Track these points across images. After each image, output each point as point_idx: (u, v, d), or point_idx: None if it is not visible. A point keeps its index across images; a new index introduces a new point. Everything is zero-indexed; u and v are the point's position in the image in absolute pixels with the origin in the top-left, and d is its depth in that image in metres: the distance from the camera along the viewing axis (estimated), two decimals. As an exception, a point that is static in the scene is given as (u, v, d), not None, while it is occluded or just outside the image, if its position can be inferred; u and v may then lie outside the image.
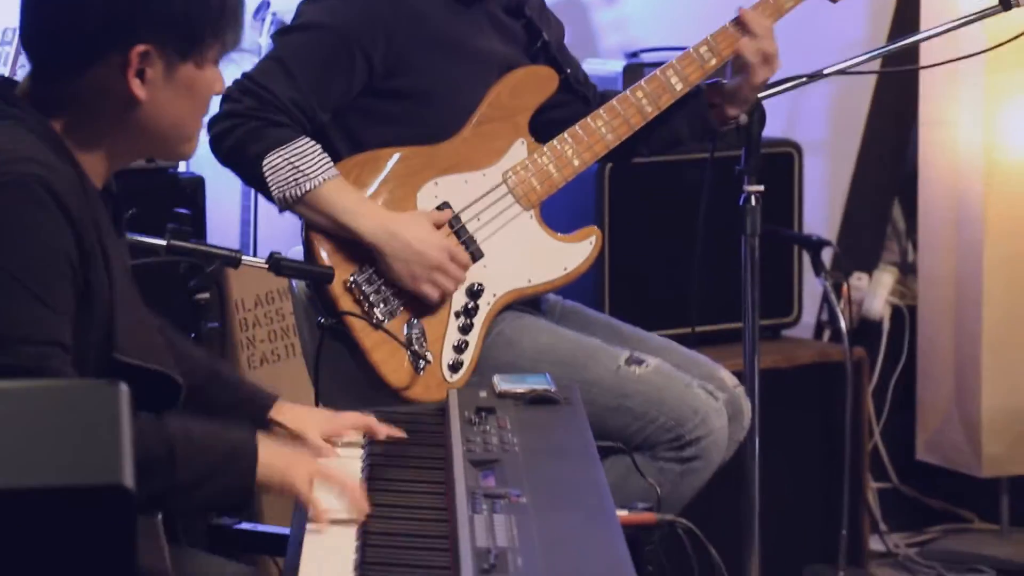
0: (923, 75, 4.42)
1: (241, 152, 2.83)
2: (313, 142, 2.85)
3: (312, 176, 2.83)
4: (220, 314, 3.42)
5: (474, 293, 2.95)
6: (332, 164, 2.86)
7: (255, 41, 3.82)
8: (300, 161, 2.82)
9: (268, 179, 2.82)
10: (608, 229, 3.82)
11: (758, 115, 3.11)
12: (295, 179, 2.82)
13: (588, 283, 3.57)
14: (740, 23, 3.05)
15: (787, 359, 4.08)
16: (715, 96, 3.10)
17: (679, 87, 3.06)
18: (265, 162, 2.81)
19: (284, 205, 2.85)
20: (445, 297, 2.92)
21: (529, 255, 2.99)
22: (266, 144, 2.82)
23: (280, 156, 2.81)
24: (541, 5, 3.14)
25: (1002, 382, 4.35)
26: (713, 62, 3.07)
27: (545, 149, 3.01)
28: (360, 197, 2.88)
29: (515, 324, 2.99)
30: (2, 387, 1.48)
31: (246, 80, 2.87)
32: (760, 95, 3.11)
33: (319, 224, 2.86)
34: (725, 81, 3.09)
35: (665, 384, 2.93)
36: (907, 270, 4.67)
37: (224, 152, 2.85)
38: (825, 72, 3.29)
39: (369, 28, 2.88)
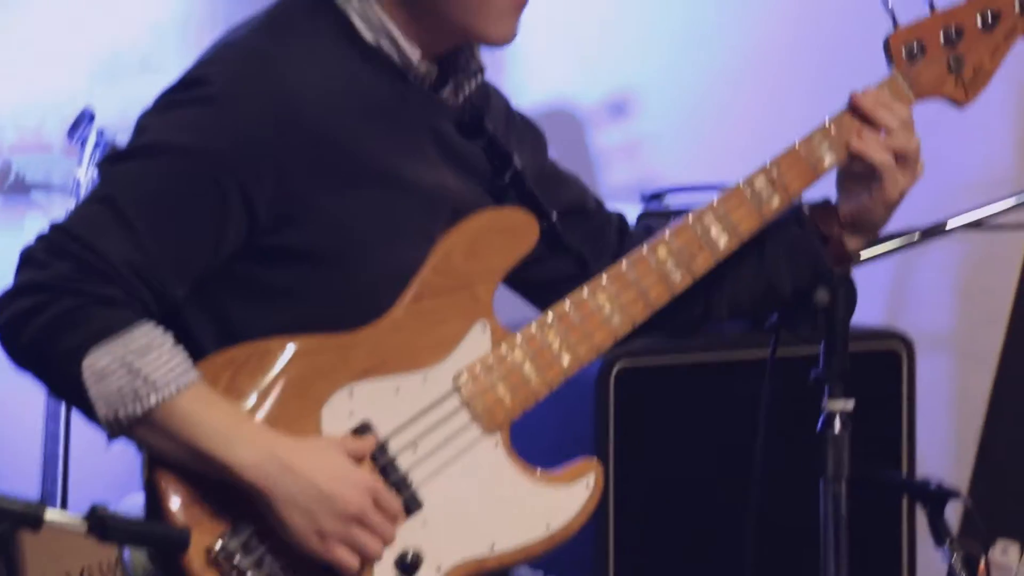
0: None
1: (48, 346, 2.85)
2: (161, 330, 2.88)
3: (160, 384, 2.85)
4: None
5: (407, 566, 2.97)
6: (191, 364, 2.88)
7: (70, 175, 3.92)
8: (142, 361, 2.85)
9: (91, 389, 2.84)
10: (614, 461, 3.88)
11: (845, 292, 3.18)
12: (133, 389, 2.85)
13: (585, 550, 3.61)
14: (857, 111, 3.14)
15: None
16: (824, 223, 3.18)
17: (723, 242, 3.13)
18: (87, 363, 2.83)
19: (115, 429, 2.88)
20: (366, 565, 2.93)
21: (492, 505, 3.02)
22: (88, 334, 2.84)
23: (109, 353, 2.84)
24: (509, 114, 3.21)
25: None
26: (776, 202, 3.15)
27: (519, 338, 3.05)
28: (236, 413, 2.91)
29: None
30: None
31: (58, 234, 2.90)
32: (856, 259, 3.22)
33: (170, 457, 2.89)
34: (838, 201, 3.17)
35: None
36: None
37: (20, 346, 2.88)
38: (948, 226, 3.41)
39: (249, 154, 2.93)
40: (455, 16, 3.03)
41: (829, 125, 3.16)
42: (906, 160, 3.13)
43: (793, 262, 3.20)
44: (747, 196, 3.15)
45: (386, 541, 2.93)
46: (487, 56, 3.14)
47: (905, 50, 3.19)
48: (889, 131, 3.13)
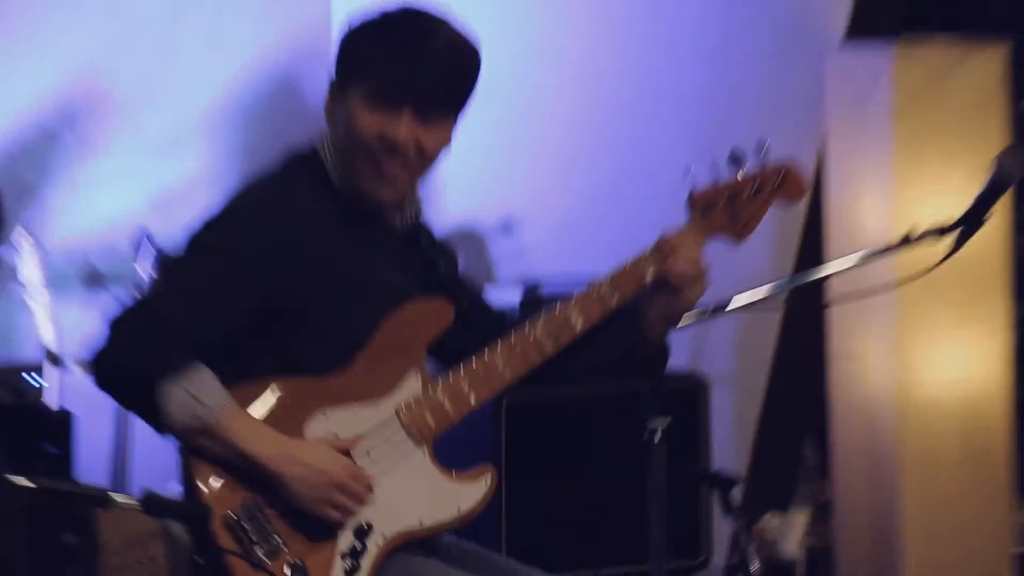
0: (833, 307, 4.51)
1: (136, 381, 2.85)
2: (208, 370, 2.87)
3: (210, 405, 2.85)
4: (88, 558, 3.39)
5: (362, 532, 2.93)
6: (227, 393, 2.87)
7: (133, 271, 3.87)
8: (199, 390, 2.85)
9: (166, 407, 2.84)
10: (505, 466, 3.84)
11: (661, 347, 3.15)
12: (192, 408, 2.84)
13: (484, 523, 3.57)
14: (662, 247, 3.10)
15: (697, 605, 4.10)
16: (640, 319, 3.13)
17: (579, 325, 3.09)
18: (163, 391, 2.84)
19: (182, 435, 2.87)
20: (338, 529, 2.91)
21: (421, 494, 2.99)
22: (163, 372, 2.84)
23: (179, 385, 2.84)
24: (431, 237, 3.18)
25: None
26: (615, 300, 3.10)
27: (440, 383, 3.03)
28: (259, 424, 2.91)
29: (407, 567, 2.97)
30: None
31: (138, 307, 2.89)
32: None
33: (213, 454, 2.87)
34: (649, 304, 3.12)
35: None
36: (822, 510, 4.70)
37: (117, 381, 2.87)
38: (729, 307, 3.38)
39: (267, 256, 2.92)
40: (352, 173, 3.01)
41: (650, 252, 3.12)
42: (698, 278, 3.10)
43: (619, 343, 3.17)
44: (595, 297, 3.11)
45: (360, 501, 2.92)
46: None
47: (702, 206, 3.15)
48: (687, 261, 3.09)
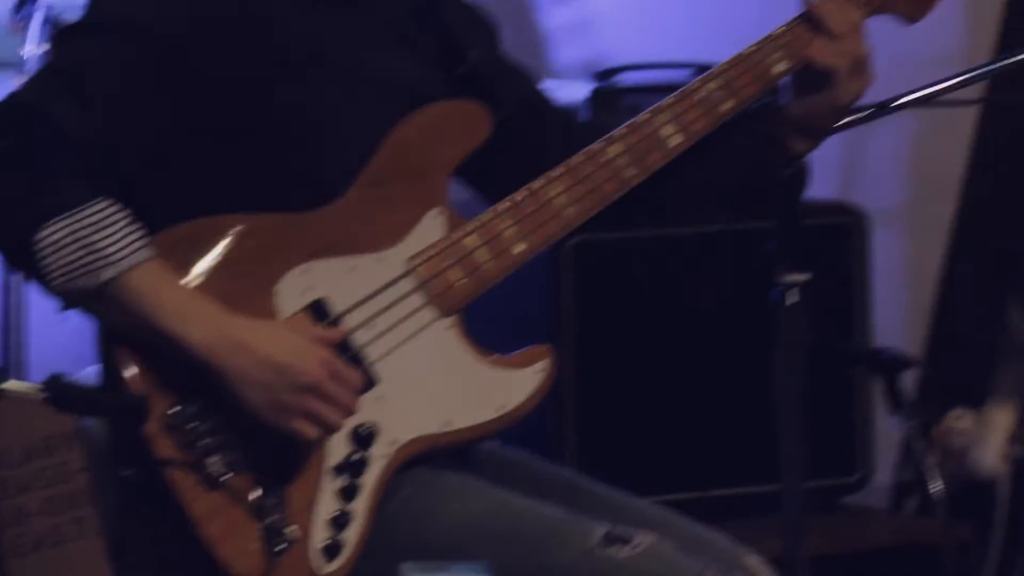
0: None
1: (4, 220, 2.86)
2: (117, 206, 2.87)
3: (115, 259, 2.84)
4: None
5: (362, 439, 2.96)
6: (145, 241, 2.88)
7: (14, 52, 3.90)
8: (97, 235, 2.84)
9: (46, 261, 2.84)
10: (575, 342, 3.90)
11: (798, 167, 3.18)
12: (88, 263, 2.84)
13: (542, 425, 3.62)
14: (811, 18, 3.13)
15: (850, 540, 4.15)
16: (775, 121, 3.17)
17: (674, 142, 3.13)
18: (41, 235, 2.83)
19: (70, 300, 2.88)
20: (324, 436, 2.93)
21: (447, 385, 3.03)
22: (43, 207, 2.84)
23: (65, 227, 2.83)
24: (457, 5, 3.20)
25: None
26: (728, 105, 3.14)
27: (473, 224, 3.06)
28: (188, 291, 2.92)
29: (429, 486, 3.01)
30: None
31: (12, 106, 2.92)
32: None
33: (123, 330, 2.89)
34: (788, 103, 3.16)
35: (664, 573, 2.96)
36: (1034, 404, 4.73)
37: None
38: (901, 101, 3.37)
39: (205, 35, 2.94)
40: None
41: (783, 31, 3.15)
42: (858, 66, 3.12)
43: (738, 156, 3.19)
44: (701, 98, 3.14)
45: (346, 412, 2.93)
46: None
47: None
48: (841, 38, 3.12)
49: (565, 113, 3.30)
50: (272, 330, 2.93)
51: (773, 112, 3.17)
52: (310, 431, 2.90)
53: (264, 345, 2.89)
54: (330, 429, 2.92)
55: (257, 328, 2.92)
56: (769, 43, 3.15)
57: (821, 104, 3.14)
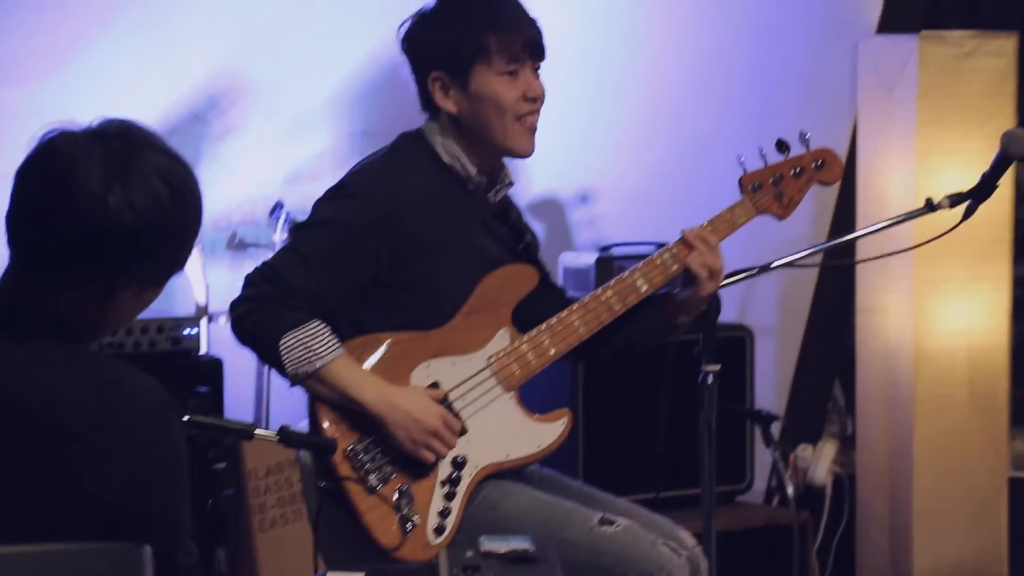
0: (859, 267, 4.48)
1: (260, 332, 2.85)
2: (323, 324, 2.86)
3: (323, 355, 2.84)
4: (235, 482, 3.44)
5: (458, 464, 2.95)
6: (340, 344, 2.87)
7: (270, 238, 3.89)
8: (312, 341, 2.84)
9: (283, 357, 2.83)
10: (581, 407, 3.88)
11: (714, 303, 3.12)
12: (307, 358, 2.83)
13: (563, 455, 3.60)
14: (683, 241, 3.05)
15: (740, 522, 4.12)
16: (668, 304, 3.10)
17: (644, 288, 3.07)
18: (281, 342, 2.83)
19: (296, 380, 2.87)
20: (438, 460, 2.91)
21: (508, 432, 2.99)
22: (281, 326, 2.84)
23: (294, 337, 2.83)
24: (518, 212, 3.18)
25: (932, 545, 4.38)
26: (675, 267, 3.07)
27: (525, 338, 3.02)
28: (364, 373, 2.89)
29: (498, 489, 2.99)
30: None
31: (266, 268, 2.90)
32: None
33: (326, 397, 2.87)
34: (677, 292, 3.09)
35: (634, 542, 2.93)
36: (847, 442, 4.70)
37: (244, 332, 2.87)
38: (773, 265, 3.32)
39: (380, 226, 2.91)
40: (496, 141, 2.98)
41: (675, 248, 3.07)
42: (713, 273, 3.04)
43: (645, 326, 3.13)
44: (658, 263, 3.08)
45: (450, 446, 2.91)
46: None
47: (751, 186, 3.14)
48: (704, 254, 3.04)
49: (560, 288, 3.23)
50: (413, 395, 2.90)
51: (667, 298, 3.10)
52: (430, 457, 2.89)
53: (407, 405, 2.87)
54: (441, 457, 2.91)
55: (404, 393, 2.89)
56: (668, 254, 3.07)
57: (693, 295, 3.05)
